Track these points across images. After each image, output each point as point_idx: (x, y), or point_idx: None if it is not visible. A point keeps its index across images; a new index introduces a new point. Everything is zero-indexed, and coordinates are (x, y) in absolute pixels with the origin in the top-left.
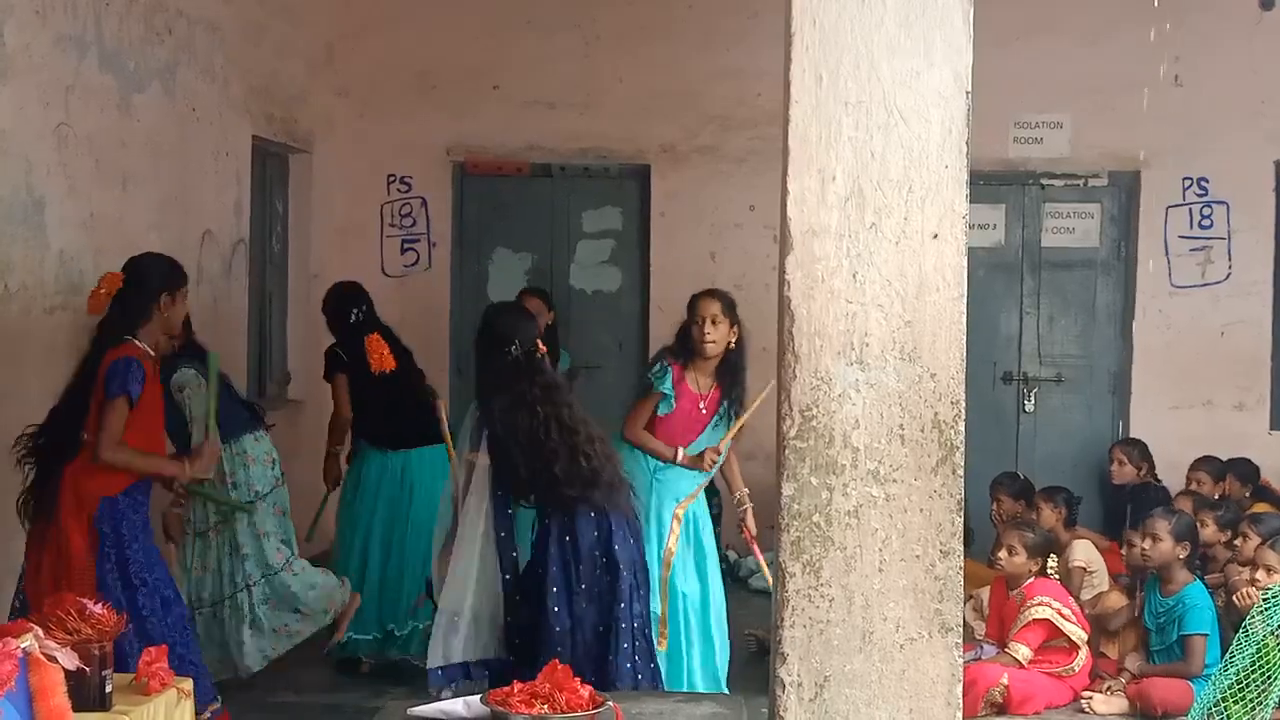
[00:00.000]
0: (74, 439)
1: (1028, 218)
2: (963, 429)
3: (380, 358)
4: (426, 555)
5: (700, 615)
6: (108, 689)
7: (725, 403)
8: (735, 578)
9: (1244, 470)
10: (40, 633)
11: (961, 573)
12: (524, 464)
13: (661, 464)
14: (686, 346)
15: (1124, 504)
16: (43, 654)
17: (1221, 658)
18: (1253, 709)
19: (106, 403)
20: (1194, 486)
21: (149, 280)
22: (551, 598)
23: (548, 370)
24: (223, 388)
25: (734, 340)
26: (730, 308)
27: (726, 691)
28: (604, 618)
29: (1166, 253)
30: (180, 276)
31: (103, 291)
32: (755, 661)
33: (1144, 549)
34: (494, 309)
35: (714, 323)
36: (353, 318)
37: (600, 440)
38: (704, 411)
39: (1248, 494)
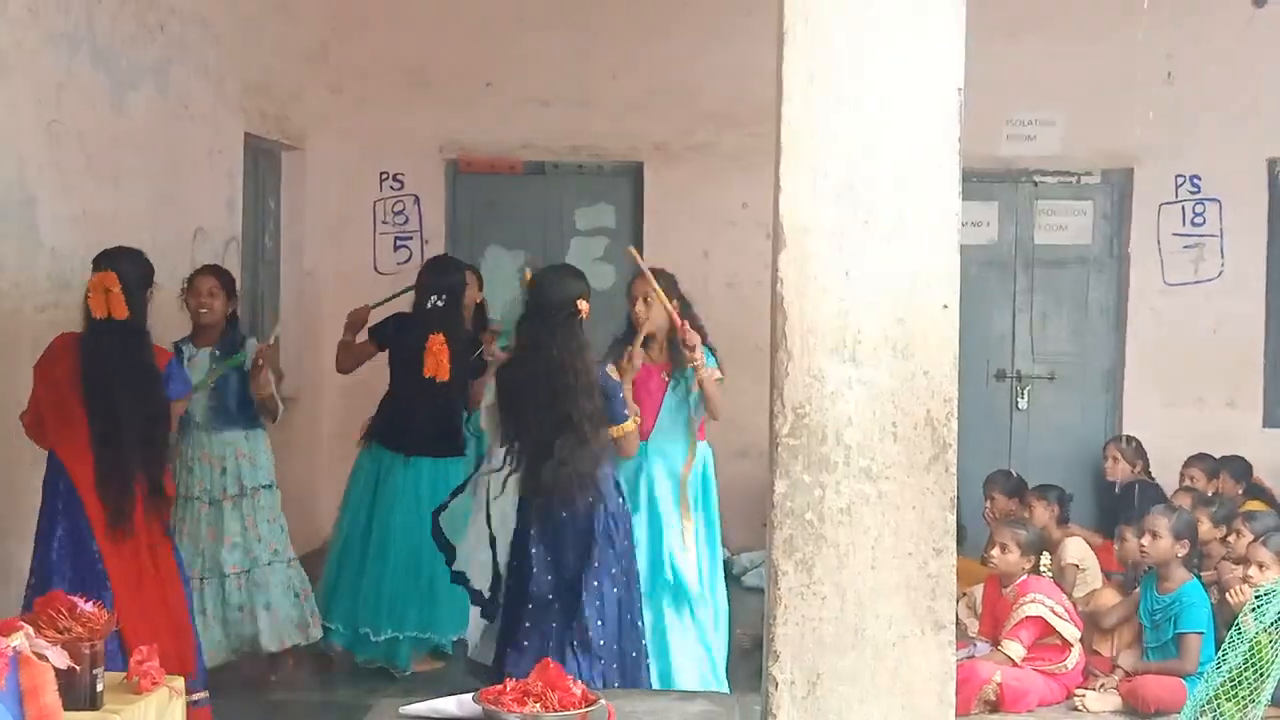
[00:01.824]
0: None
1: (1020, 215)
2: (955, 426)
3: (436, 364)
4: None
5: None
6: (98, 688)
7: (675, 367)
8: (729, 575)
9: (1237, 468)
10: (30, 631)
11: (954, 570)
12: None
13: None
14: (631, 329)
15: (1117, 501)
16: (33, 653)
17: (1215, 655)
18: (1245, 706)
19: (174, 404)
20: (1188, 483)
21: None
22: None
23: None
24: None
25: (675, 311)
26: (667, 285)
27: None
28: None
29: (1159, 250)
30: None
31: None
32: (748, 659)
33: (1143, 546)
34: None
35: (645, 301)
36: (430, 304)
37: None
38: (665, 379)
39: (1240, 491)
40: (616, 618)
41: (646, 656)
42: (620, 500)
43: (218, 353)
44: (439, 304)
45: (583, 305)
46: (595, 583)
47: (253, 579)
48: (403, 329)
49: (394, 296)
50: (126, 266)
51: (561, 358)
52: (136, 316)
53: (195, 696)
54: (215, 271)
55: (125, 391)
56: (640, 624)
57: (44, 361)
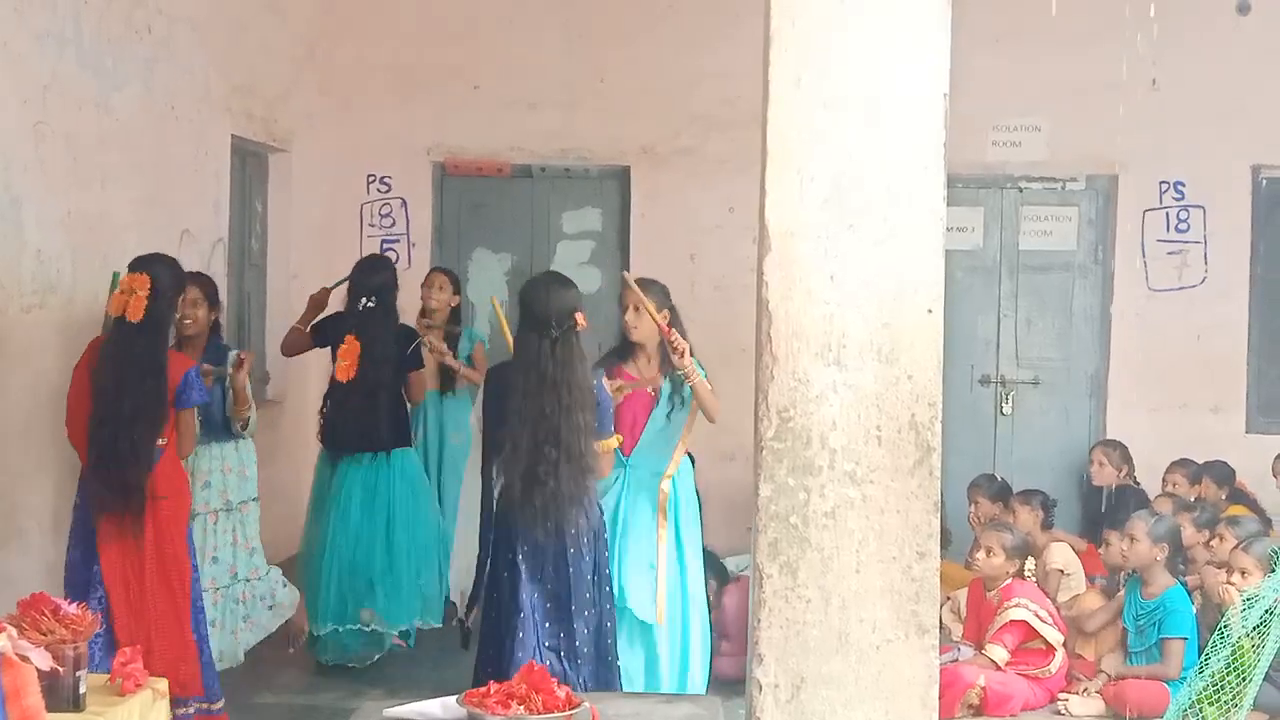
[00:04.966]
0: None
1: (1005, 221)
2: (940, 430)
3: (343, 365)
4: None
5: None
6: (81, 690)
7: (667, 378)
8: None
9: (1220, 472)
10: (14, 633)
11: (938, 574)
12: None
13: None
14: (624, 339)
15: (1102, 506)
16: (16, 654)
17: (1198, 660)
18: (1228, 711)
19: (184, 412)
20: (1170, 488)
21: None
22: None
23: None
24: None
25: (664, 320)
26: (657, 294)
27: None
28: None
29: (1143, 256)
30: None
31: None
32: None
33: (1123, 550)
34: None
35: (635, 310)
36: (361, 304)
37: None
38: (653, 393)
39: (1224, 496)
40: (597, 627)
41: (617, 658)
42: (599, 514)
43: (205, 364)
44: (369, 305)
45: (579, 318)
46: (582, 594)
47: (231, 595)
48: (336, 329)
49: (343, 282)
50: (161, 272)
51: (557, 375)
52: (153, 320)
53: (193, 708)
54: (197, 279)
55: (123, 386)
56: (611, 627)
57: (80, 364)
